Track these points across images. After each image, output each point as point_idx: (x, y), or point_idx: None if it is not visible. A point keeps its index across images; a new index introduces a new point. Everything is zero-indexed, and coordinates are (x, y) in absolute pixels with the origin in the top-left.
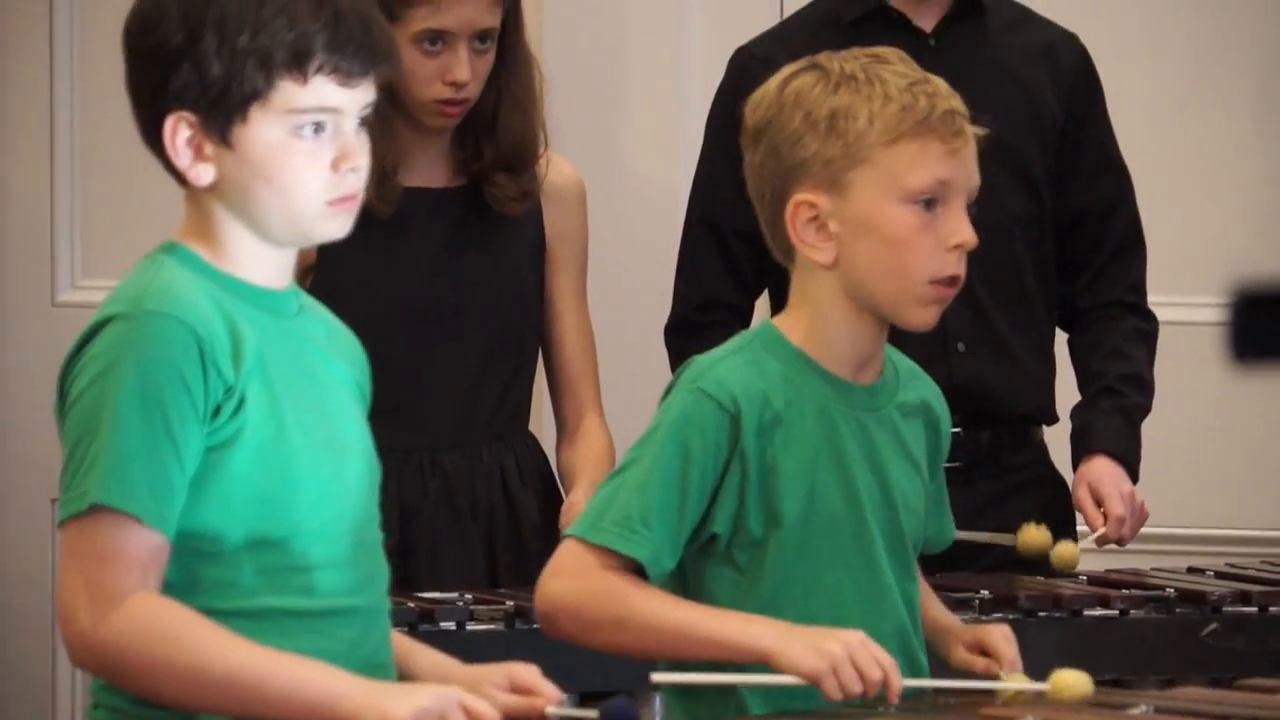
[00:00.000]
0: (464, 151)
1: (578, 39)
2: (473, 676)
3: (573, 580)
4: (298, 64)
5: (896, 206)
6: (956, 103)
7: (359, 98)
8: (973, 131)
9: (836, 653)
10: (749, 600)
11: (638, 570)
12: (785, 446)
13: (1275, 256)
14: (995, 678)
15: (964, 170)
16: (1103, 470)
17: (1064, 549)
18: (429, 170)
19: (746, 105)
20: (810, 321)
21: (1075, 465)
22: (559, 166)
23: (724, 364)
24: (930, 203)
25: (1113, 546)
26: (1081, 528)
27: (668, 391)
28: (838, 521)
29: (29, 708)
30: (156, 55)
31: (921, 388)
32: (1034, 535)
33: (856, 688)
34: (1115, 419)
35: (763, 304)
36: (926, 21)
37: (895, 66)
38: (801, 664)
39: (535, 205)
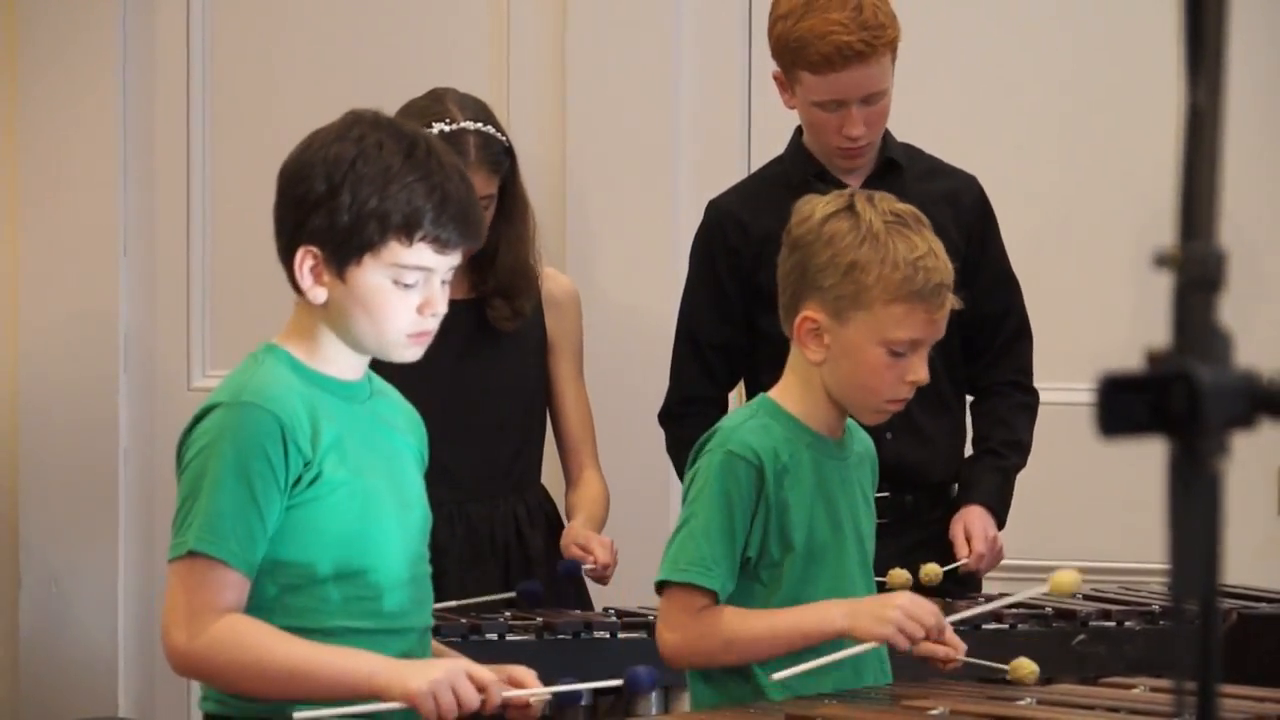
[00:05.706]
0: (474, 275)
1: (600, 187)
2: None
3: (680, 631)
4: (407, 231)
5: (876, 348)
6: (947, 276)
7: (448, 261)
8: (951, 300)
9: (895, 616)
10: (768, 606)
11: (711, 596)
12: (792, 489)
13: (1135, 353)
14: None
15: (935, 330)
16: (975, 516)
17: (929, 569)
18: (450, 285)
19: (793, 214)
20: (800, 394)
21: (957, 508)
22: (557, 279)
23: (743, 429)
24: (902, 353)
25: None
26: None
27: (698, 453)
28: (826, 545)
29: (170, 692)
30: (301, 200)
31: (864, 438)
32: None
33: (920, 635)
34: (994, 476)
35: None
36: (855, 181)
37: (910, 235)
38: (872, 632)
39: (538, 311)
